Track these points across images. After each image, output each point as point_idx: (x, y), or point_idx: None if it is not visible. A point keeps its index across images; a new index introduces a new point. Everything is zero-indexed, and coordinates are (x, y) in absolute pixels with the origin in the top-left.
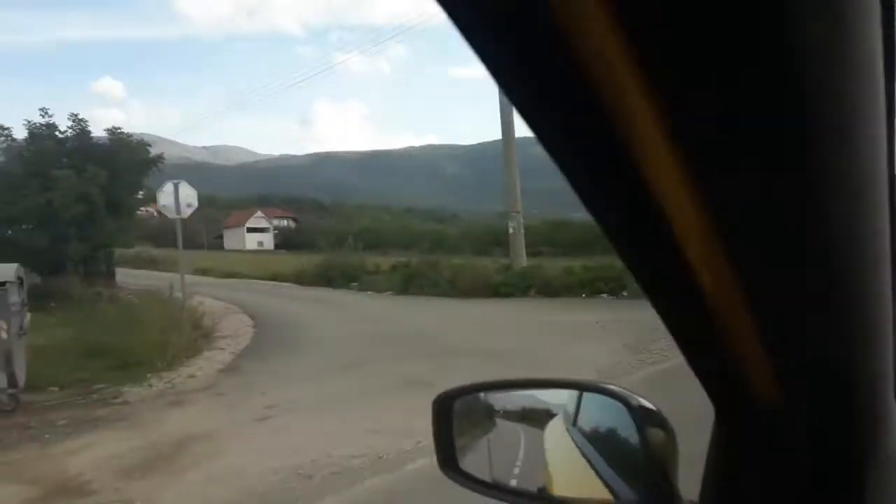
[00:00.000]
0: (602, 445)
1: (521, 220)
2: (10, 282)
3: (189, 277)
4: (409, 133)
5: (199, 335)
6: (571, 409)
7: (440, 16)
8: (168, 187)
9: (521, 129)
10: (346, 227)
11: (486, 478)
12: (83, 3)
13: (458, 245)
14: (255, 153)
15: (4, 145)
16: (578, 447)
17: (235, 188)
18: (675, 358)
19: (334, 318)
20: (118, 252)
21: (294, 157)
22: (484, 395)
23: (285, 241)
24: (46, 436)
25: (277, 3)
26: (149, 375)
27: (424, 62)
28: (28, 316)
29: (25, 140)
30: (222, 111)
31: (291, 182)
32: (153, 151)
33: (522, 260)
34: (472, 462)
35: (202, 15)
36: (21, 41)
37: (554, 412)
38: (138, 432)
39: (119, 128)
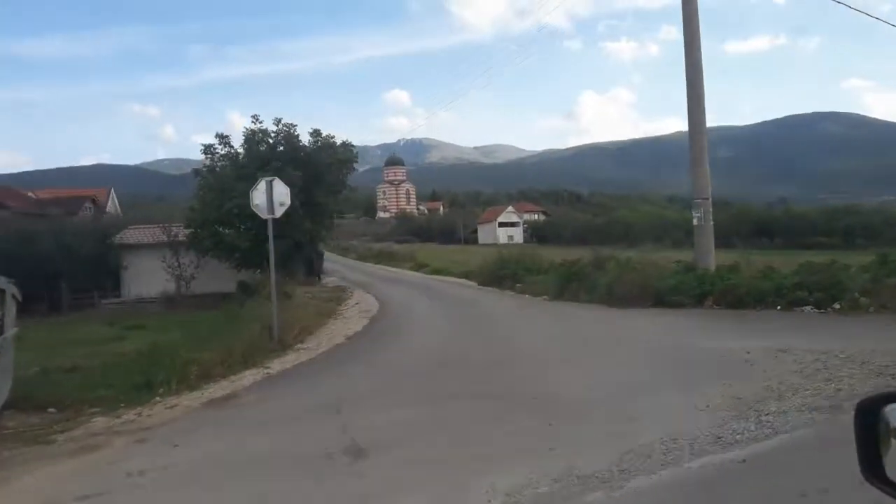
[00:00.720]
0: None
1: (710, 210)
2: None
3: (397, 272)
4: (678, 117)
5: (287, 343)
6: None
7: None
8: (261, 185)
9: (785, 105)
10: (596, 219)
11: None
12: (378, 23)
13: (720, 235)
14: (521, 150)
15: (224, 151)
16: None
17: (501, 184)
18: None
19: (444, 329)
20: (365, 247)
21: (557, 150)
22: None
23: (534, 235)
24: None
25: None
26: (158, 399)
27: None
28: (14, 331)
29: (242, 146)
30: (493, 112)
31: (554, 175)
32: (433, 154)
33: (710, 258)
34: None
35: (479, 21)
36: (331, 62)
37: None
38: None
39: (318, 129)
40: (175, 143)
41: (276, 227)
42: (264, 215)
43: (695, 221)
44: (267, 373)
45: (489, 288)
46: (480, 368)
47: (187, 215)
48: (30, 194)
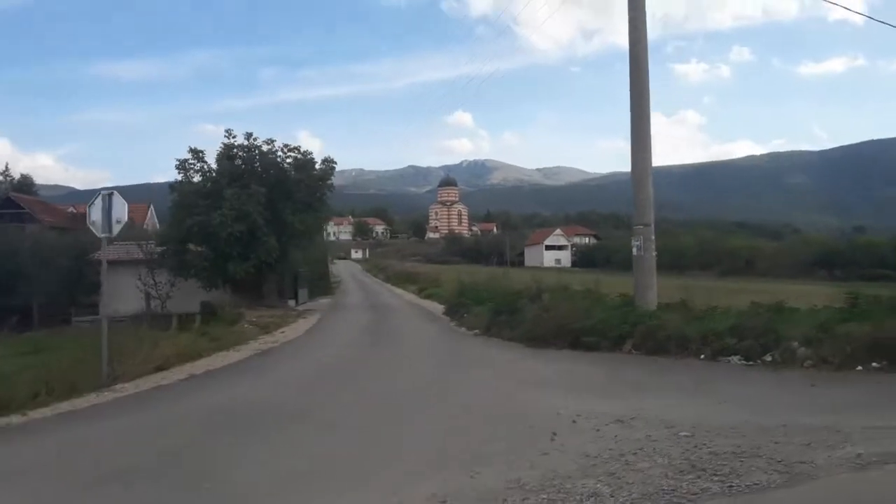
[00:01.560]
0: None
1: (652, 238)
2: None
3: (397, 293)
4: (750, 140)
5: (118, 378)
6: None
7: (789, 11)
8: (98, 201)
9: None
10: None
11: None
12: (444, 46)
13: (774, 265)
14: (584, 172)
15: (197, 167)
16: None
17: (561, 207)
18: None
19: (312, 371)
20: (384, 264)
21: (622, 173)
22: None
23: (582, 259)
24: None
25: (615, 23)
26: None
27: (770, 62)
28: None
29: (216, 161)
30: (557, 134)
31: (617, 199)
32: (495, 175)
33: (650, 294)
34: None
35: (545, 44)
36: (389, 87)
37: None
38: None
39: (297, 146)
40: None
41: (239, 247)
42: (100, 233)
43: (634, 251)
44: (8, 423)
45: (445, 318)
46: (240, 432)
47: (160, 232)
48: (70, 209)
